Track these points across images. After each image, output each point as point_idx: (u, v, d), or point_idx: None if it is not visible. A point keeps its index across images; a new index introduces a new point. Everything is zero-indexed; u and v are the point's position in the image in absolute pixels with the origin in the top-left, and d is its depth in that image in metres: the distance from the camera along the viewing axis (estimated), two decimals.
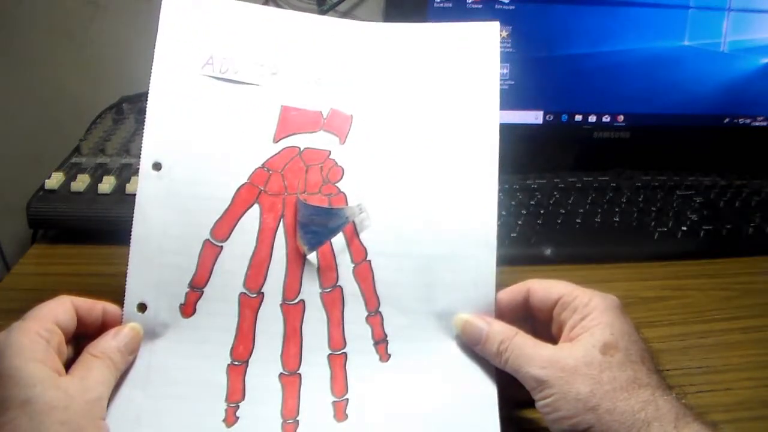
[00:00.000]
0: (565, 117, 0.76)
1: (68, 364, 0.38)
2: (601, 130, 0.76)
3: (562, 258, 0.64)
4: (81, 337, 0.40)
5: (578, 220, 0.67)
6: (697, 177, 0.74)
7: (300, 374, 0.41)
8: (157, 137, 0.43)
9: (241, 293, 0.42)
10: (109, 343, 0.39)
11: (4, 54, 0.89)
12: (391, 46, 0.46)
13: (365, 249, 0.43)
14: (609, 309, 0.40)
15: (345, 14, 0.91)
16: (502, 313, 0.43)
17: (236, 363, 0.41)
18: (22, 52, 0.90)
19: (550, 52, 0.72)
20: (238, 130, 0.44)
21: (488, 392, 0.41)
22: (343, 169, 0.44)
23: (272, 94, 0.45)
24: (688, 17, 0.72)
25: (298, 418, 0.40)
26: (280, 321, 0.42)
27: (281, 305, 0.42)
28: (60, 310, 0.39)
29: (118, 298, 0.47)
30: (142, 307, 0.41)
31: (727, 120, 0.77)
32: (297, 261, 0.42)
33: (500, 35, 0.70)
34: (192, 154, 0.43)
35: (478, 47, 0.46)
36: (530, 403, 0.39)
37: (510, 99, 0.73)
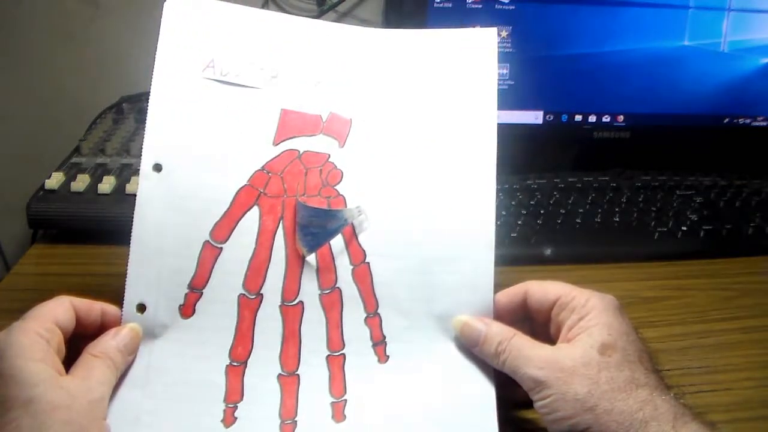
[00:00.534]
0: (565, 117, 0.76)
1: (66, 365, 0.38)
2: (601, 130, 0.76)
3: (562, 258, 0.64)
4: (79, 338, 0.40)
5: (578, 220, 0.67)
6: (697, 177, 0.74)
7: (298, 375, 0.41)
8: (158, 139, 0.43)
9: (240, 294, 0.42)
10: (109, 343, 0.40)
11: (4, 54, 0.89)
12: (390, 51, 0.47)
13: (364, 251, 0.43)
14: (607, 309, 0.40)
15: (345, 14, 0.91)
16: (501, 314, 0.43)
17: (235, 364, 0.41)
18: (22, 52, 0.90)
19: (550, 52, 0.72)
20: (238, 132, 0.44)
21: (486, 393, 0.41)
22: (342, 172, 0.44)
23: (272, 97, 0.45)
24: (688, 17, 0.72)
25: (296, 419, 0.40)
26: (278, 322, 0.42)
27: (280, 306, 0.42)
28: (59, 310, 0.39)
29: (118, 298, 0.47)
30: (142, 308, 0.41)
31: (727, 120, 0.77)
32: (296, 262, 0.42)
33: (500, 35, 0.70)
34: (192, 156, 0.43)
35: (477, 52, 0.46)
36: (529, 404, 0.39)
37: (510, 99, 0.73)
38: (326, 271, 0.43)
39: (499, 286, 0.57)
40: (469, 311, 0.42)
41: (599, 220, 0.67)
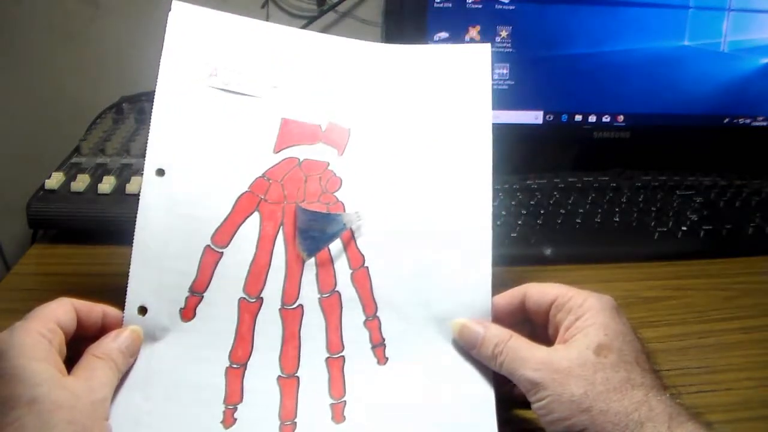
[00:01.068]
0: (565, 117, 0.76)
1: (67, 366, 0.38)
2: (601, 130, 0.76)
3: (562, 258, 0.64)
4: (79, 339, 0.40)
5: (578, 220, 0.67)
6: (697, 177, 0.74)
7: (298, 377, 0.41)
8: (161, 144, 0.44)
9: (240, 298, 0.42)
10: (111, 345, 0.40)
11: (4, 54, 0.89)
12: (387, 64, 0.48)
13: (363, 255, 0.43)
14: (604, 309, 0.40)
15: (345, 14, 0.91)
16: (500, 317, 0.43)
17: (235, 366, 0.41)
18: (22, 52, 0.90)
19: (550, 52, 0.72)
20: (239, 140, 0.45)
21: (486, 395, 0.41)
22: (341, 180, 0.45)
23: (273, 106, 0.46)
24: (688, 17, 0.72)
25: (295, 420, 0.40)
26: (278, 325, 0.42)
27: (280, 310, 0.42)
28: (61, 311, 0.39)
29: (118, 298, 0.47)
30: (143, 310, 0.42)
31: (727, 120, 0.77)
32: (296, 267, 0.43)
33: (500, 35, 0.70)
34: (194, 162, 0.44)
35: (471, 66, 0.47)
36: (528, 404, 0.39)
37: (510, 99, 0.73)
38: (325, 275, 0.43)
39: (499, 286, 0.57)
40: (468, 314, 0.43)
41: (599, 220, 0.67)
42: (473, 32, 0.70)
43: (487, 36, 0.70)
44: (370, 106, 0.47)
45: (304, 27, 0.89)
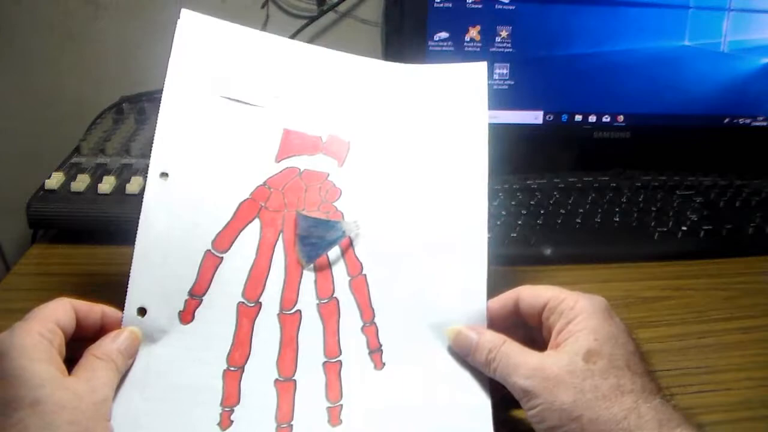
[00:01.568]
0: (565, 117, 0.76)
1: (66, 366, 0.38)
2: (601, 130, 0.76)
3: (562, 258, 0.64)
4: (77, 340, 0.40)
5: (578, 220, 0.67)
6: (697, 177, 0.74)
7: (295, 380, 0.41)
8: (166, 148, 0.45)
9: (239, 302, 0.43)
10: (110, 345, 0.40)
11: (4, 54, 0.89)
12: (387, 81, 0.49)
13: (361, 263, 0.44)
14: (595, 312, 0.40)
15: (345, 14, 0.91)
16: (494, 321, 0.43)
17: (232, 369, 0.41)
18: (22, 52, 0.90)
19: (550, 52, 0.72)
20: (242, 148, 0.46)
21: (482, 401, 0.41)
22: (340, 190, 0.46)
23: (275, 116, 0.47)
24: (688, 17, 0.72)
25: (292, 422, 0.40)
26: (276, 329, 0.42)
27: (278, 315, 0.43)
28: (60, 312, 0.39)
29: (118, 297, 0.47)
30: (142, 311, 0.42)
31: (727, 120, 0.77)
32: (295, 273, 0.44)
33: (500, 35, 0.71)
34: (198, 167, 0.45)
35: (468, 85, 0.49)
36: None
37: (510, 99, 0.73)
38: (324, 282, 0.44)
39: (499, 286, 0.57)
40: (464, 320, 0.43)
41: (599, 220, 0.67)
42: (473, 32, 0.70)
43: (487, 36, 0.70)
44: (369, 121, 0.48)
45: (304, 27, 0.89)
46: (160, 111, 0.45)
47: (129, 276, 0.42)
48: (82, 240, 0.64)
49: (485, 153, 0.46)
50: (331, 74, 0.49)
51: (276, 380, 0.41)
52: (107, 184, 0.64)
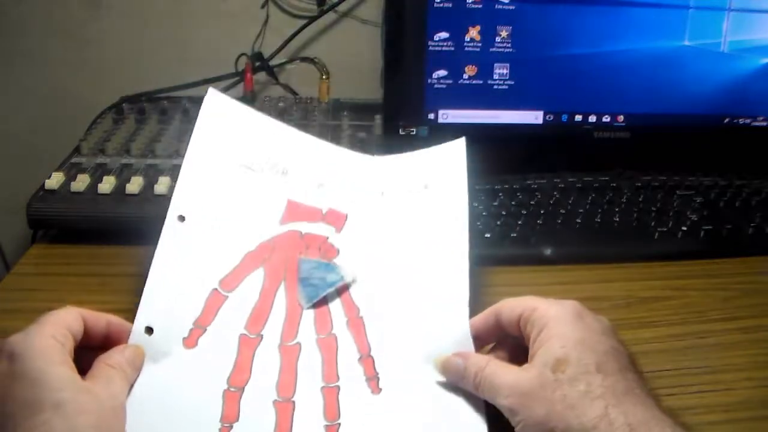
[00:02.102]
0: (565, 117, 0.76)
1: None
2: (601, 130, 0.76)
3: (562, 258, 0.64)
4: (82, 348, 0.40)
5: (578, 220, 0.67)
6: (697, 177, 0.74)
7: (294, 401, 0.42)
8: (186, 195, 0.50)
9: (241, 334, 0.45)
10: (120, 356, 0.41)
11: (4, 54, 0.90)
12: (379, 168, 0.56)
13: (357, 307, 0.48)
14: (564, 317, 0.40)
15: (345, 14, 0.91)
16: (481, 337, 0.44)
17: (232, 389, 0.42)
18: (23, 52, 0.90)
19: (550, 52, 0.72)
20: (250, 208, 0.52)
21: (478, 423, 0.41)
22: (338, 249, 0.51)
23: (281, 188, 0.54)
24: (688, 17, 0.72)
25: None
26: (276, 358, 0.45)
27: (279, 346, 0.45)
28: (70, 318, 0.40)
29: (118, 297, 0.47)
30: (149, 330, 0.43)
31: (727, 120, 0.77)
32: (295, 312, 0.47)
33: (500, 35, 0.71)
34: (210, 217, 0.50)
35: (449, 159, 0.55)
36: None
37: (510, 99, 0.73)
38: (323, 321, 0.47)
39: (499, 286, 0.57)
40: (451, 347, 0.44)
41: (599, 220, 0.67)
42: (473, 32, 0.70)
43: (487, 36, 0.70)
44: (364, 199, 0.55)
45: (304, 27, 0.89)
46: (183, 162, 0.51)
47: (141, 295, 0.45)
48: (82, 240, 0.64)
49: (466, 217, 0.50)
50: (331, 161, 0.56)
51: (275, 401, 0.42)
52: (107, 184, 0.64)
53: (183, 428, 0.40)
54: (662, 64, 0.73)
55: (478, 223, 0.66)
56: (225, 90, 0.91)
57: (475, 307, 0.51)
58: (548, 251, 0.64)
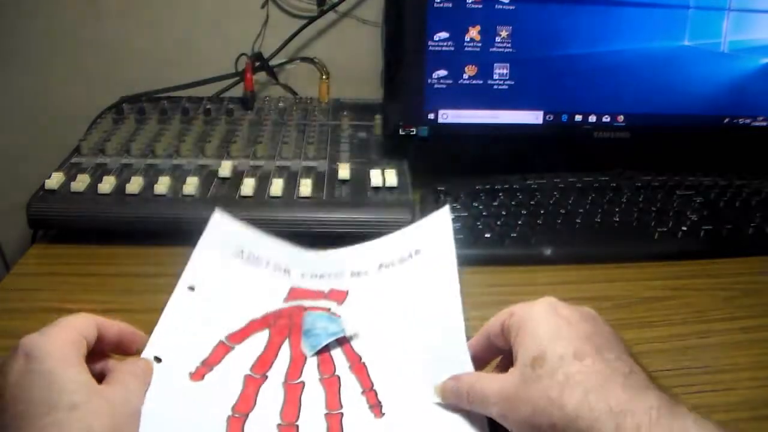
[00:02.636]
0: (565, 117, 0.76)
1: None
2: (601, 130, 0.76)
3: (562, 258, 0.64)
4: (93, 354, 0.40)
5: (578, 220, 0.67)
6: (697, 177, 0.74)
7: (297, 425, 0.43)
8: (195, 270, 0.54)
9: (246, 374, 0.46)
10: (135, 365, 0.41)
11: (4, 54, 0.90)
12: (374, 252, 0.59)
13: (359, 356, 0.49)
14: (537, 314, 0.40)
15: (345, 14, 0.91)
16: (480, 356, 0.45)
17: (237, 415, 0.43)
18: (22, 52, 0.90)
19: (550, 52, 0.72)
20: (255, 288, 0.55)
21: None
22: (340, 316, 0.52)
23: (284, 280, 0.57)
24: (688, 17, 0.72)
25: None
26: (281, 393, 0.45)
27: (283, 383, 0.46)
28: (85, 324, 0.40)
29: (118, 298, 0.47)
30: (158, 360, 0.44)
31: (727, 120, 0.77)
32: (299, 359, 0.49)
33: (500, 35, 0.71)
34: (218, 288, 0.53)
35: (436, 229, 0.57)
36: None
37: (510, 99, 0.73)
38: (326, 365, 0.48)
39: (499, 286, 0.57)
40: (453, 370, 0.44)
41: (599, 220, 0.67)
42: (473, 32, 0.70)
43: (487, 36, 0.70)
44: (362, 279, 0.57)
45: (304, 27, 0.89)
46: (198, 243, 0.55)
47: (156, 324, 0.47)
48: (82, 240, 0.64)
49: (456, 279, 0.52)
50: (333, 258, 0.59)
51: (279, 425, 0.42)
52: (107, 184, 0.64)
53: None
54: (662, 64, 0.73)
55: (478, 223, 0.66)
56: (225, 90, 0.91)
57: (476, 306, 0.51)
58: (548, 251, 0.64)
